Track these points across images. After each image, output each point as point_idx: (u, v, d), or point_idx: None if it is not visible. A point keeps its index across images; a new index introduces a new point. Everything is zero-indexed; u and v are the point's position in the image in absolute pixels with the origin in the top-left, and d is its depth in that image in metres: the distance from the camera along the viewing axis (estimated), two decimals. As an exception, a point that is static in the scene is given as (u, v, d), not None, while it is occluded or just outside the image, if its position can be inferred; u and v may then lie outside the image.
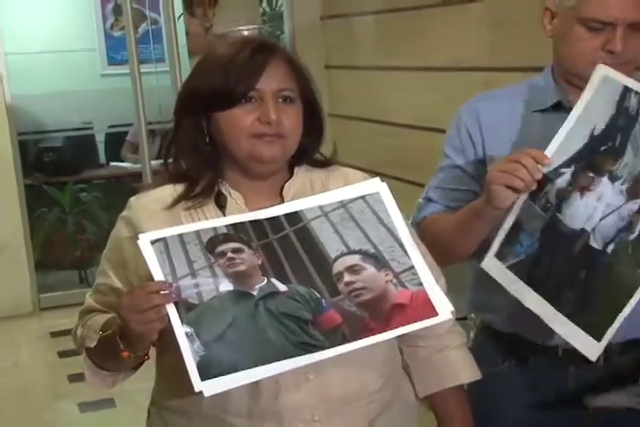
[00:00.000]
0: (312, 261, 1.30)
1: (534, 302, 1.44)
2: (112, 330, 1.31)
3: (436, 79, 3.42)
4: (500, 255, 1.45)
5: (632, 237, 1.38)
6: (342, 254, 1.31)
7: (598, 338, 1.41)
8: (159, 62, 5.25)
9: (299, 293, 1.27)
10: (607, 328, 1.40)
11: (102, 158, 6.02)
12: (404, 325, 1.29)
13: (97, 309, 1.43)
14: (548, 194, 1.42)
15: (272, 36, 4.73)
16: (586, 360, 1.43)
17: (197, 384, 1.20)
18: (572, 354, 1.50)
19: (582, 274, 1.41)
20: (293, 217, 1.32)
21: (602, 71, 1.42)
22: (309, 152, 1.45)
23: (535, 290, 1.44)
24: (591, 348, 1.41)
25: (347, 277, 1.30)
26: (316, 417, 1.34)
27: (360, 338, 1.27)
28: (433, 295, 1.31)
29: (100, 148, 6.06)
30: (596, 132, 1.41)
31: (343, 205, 1.34)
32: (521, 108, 1.62)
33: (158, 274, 1.23)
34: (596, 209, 1.40)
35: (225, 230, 1.29)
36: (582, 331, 1.41)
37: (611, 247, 1.39)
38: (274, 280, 1.27)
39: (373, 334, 1.27)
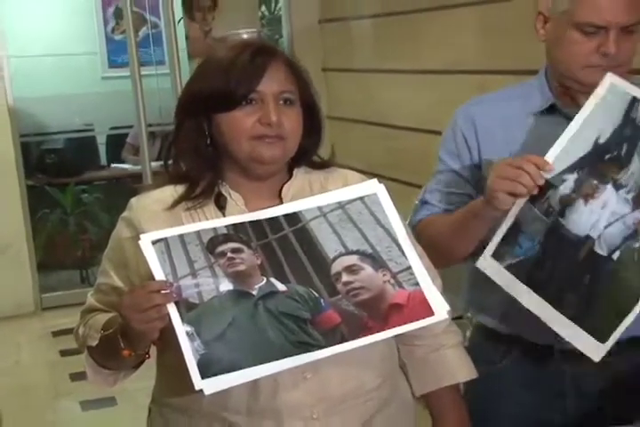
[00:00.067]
0: (311, 261, 1.31)
1: (534, 302, 1.44)
2: (113, 329, 1.31)
3: (433, 82, 3.43)
4: (496, 255, 1.46)
5: (638, 244, 1.39)
6: (340, 255, 1.32)
7: (602, 340, 1.41)
8: (159, 65, 5.26)
9: (298, 292, 1.28)
10: (612, 332, 1.41)
11: (103, 160, 6.02)
12: (401, 324, 1.30)
13: (98, 308, 1.44)
14: (551, 199, 1.42)
15: (270, 40, 4.75)
16: (583, 360, 1.44)
17: (198, 382, 1.21)
18: (569, 353, 1.51)
19: (586, 278, 1.42)
20: (292, 218, 1.33)
21: (609, 80, 1.42)
22: (308, 154, 1.46)
23: (535, 291, 1.44)
24: (595, 349, 1.42)
25: (345, 277, 1.31)
26: (314, 415, 1.35)
27: (358, 337, 1.28)
28: (429, 295, 1.32)
29: (101, 149, 6.06)
30: (601, 140, 1.41)
31: (341, 206, 1.35)
32: (516, 111, 1.63)
33: (159, 274, 1.24)
34: (600, 216, 1.41)
35: (225, 231, 1.30)
36: (585, 333, 1.42)
37: (616, 254, 1.40)
38: (273, 280, 1.28)
39: (371, 334, 1.28)
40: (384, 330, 1.29)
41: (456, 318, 1.56)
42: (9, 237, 4.60)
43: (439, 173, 1.70)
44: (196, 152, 1.40)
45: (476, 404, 1.58)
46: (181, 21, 4.86)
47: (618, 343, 1.42)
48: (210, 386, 1.21)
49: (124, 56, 5.04)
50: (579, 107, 1.44)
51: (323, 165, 1.48)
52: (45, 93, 5.77)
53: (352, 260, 1.32)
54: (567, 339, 1.44)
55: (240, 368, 1.23)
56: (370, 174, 1.47)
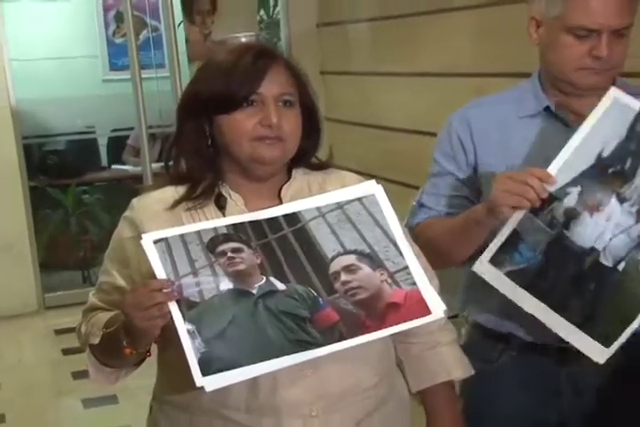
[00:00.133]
0: (310, 260, 1.32)
1: (537, 308, 1.46)
2: (115, 327, 1.32)
3: (430, 84, 3.45)
4: (495, 261, 1.47)
5: None
6: (339, 254, 1.33)
7: (607, 345, 1.43)
8: (159, 68, 5.26)
9: (297, 291, 1.29)
10: (617, 337, 1.43)
11: (104, 161, 6.02)
12: (398, 323, 1.31)
13: (100, 307, 1.45)
14: (554, 211, 1.43)
15: (269, 43, 4.76)
16: (579, 358, 1.46)
17: (199, 380, 1.22)
18: (566, 352, 1.53)
19: (591, 287, 1.44)
20: (292, 218, 1.34)
21: (613, 94, 1.43)
22: (307, 155, 1.47)
23: (538, 298, 1.45)
24: (600, 353, 1.44)
25: (343, 277, 1.32)
26: (313, 413, 1.36)
27: (356, 336, 1.29)
28: (426, 295, 1.34)
29: (102, 151, 6.06)
30: (604, 154, 1.43)
31: (340, 206, 1.37)
32: (511, 114, 1.64)
33: (161, 273, 1.26)
34: (605, 229, 1.42)
35: (225, 231, 1.31)
36: (590, 338, 1.44)
37: (622, 265, 1.42)
38: (272, 279, 1.30)
39: (369, 332, 1.30)
40: (381, 329, 1.30)
41: (452, 316, 1.56)
42: (12, 237, 4.62)
43: (435, 176, 1.71)
44: (197, 153, 1.41)
45: (472, 403, 1.60)
46: (181, 25, 4.88)
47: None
48: (211, 383, 1.23)
49: (125, 59, 5.07)
50: (572, 109, 1.46)
51: (321, 167, 1.50)
52: (47, 96, 5.77)
53: (350, 259, 1.33)
54: (572, 343, 1.45)
55: (240, 366, 1.24)
56: (367, 176, 1.48)
